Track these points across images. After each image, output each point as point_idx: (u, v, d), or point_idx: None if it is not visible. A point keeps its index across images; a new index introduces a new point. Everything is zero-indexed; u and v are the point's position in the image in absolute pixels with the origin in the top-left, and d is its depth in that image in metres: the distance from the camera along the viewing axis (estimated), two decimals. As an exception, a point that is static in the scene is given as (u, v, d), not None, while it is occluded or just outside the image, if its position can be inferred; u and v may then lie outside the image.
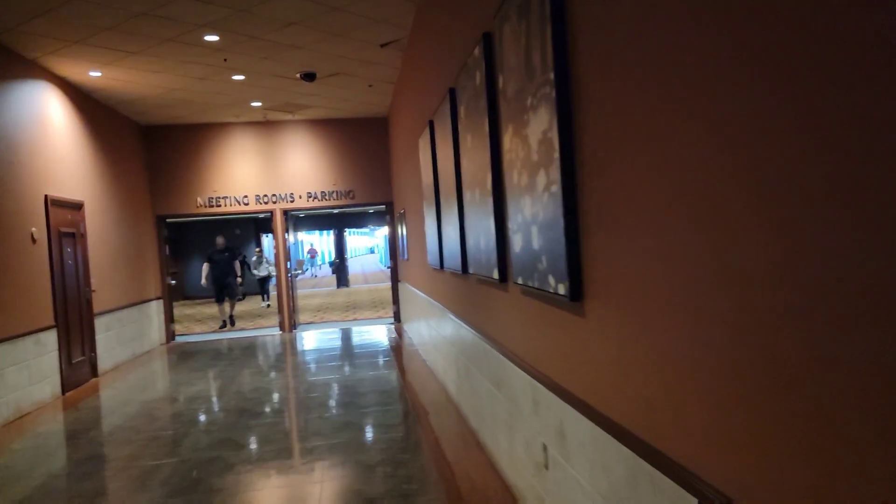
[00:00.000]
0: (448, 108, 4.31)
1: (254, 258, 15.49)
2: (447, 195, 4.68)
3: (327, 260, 31.51)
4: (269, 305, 15.71)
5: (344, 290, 21.40)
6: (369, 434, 4.73)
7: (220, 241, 11.79)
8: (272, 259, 13.51)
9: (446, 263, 4.99)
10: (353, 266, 37.77)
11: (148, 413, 5.76)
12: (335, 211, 21.70)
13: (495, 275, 3.26)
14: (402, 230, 9.58)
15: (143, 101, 8.79)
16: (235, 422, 5.22)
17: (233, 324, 11.78)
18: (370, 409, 5.43)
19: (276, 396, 6.22)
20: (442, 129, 4.68)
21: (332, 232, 23.70)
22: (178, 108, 9.41)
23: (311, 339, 9.99)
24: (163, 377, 7.65)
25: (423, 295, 7.13)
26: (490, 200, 3.26)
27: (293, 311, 10.95)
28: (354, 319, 12.17)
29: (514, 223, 2.85)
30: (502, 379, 3.34)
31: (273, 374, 7.27)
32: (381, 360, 7.68)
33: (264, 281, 15.65)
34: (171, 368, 8.34)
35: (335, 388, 6.34)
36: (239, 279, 11.80)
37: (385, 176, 10.97)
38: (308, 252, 33.47)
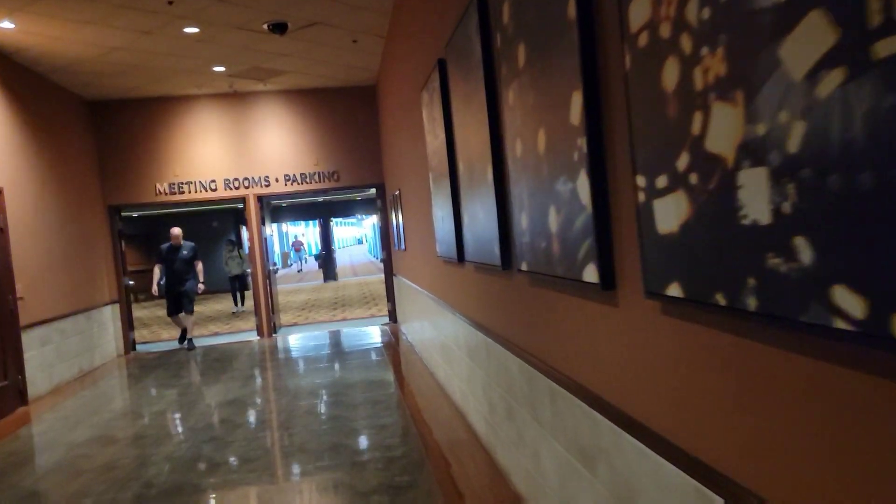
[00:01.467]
0: (474, 29, 2.90)
1: (224, 252, 13.70)
2: (473, 161, 3.27)
3: (313, 252, 29.51)
4: (236, 312, 13.21)
5: (332, 283, 19.95)
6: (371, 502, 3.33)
7: (175, 233, 8.76)
8: (246, 253, 12.04)
9: (470, 254, 3.59)
10: (342, 257, 36.22)
11: (72, 464, 4.32)
12: (320, 199, 20.21)
13: (587, 275, 1.86)
14: (396, 216, 8.16)
15: (82, 67, 7.26)
16: (184, 480, 3.80)
17: (191, 346, 8.85)
18: (369, 456, 4.03)
19: (241, 438, 4.79)
20: (462, 64, 3.26)
21: (317, 222, 22.16)
22: (128, 77, 7.89)
23: (294, 348, 8.56)
24: (106, 405, 6.20)
25: (429, 295, 5.72)
26: (573, 154, 1.86)
27: (273, 312, 9.49)
28: (344, 319, 10.73)
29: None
30: (598, 453, 1.95)
31: (244, 401, 5.85)
32: (377, 375, 6.27)
33: (236, 280, 13.61)
34: (119, 390, 6.88)
35: (322, 420, 4.94)
36: (201, 285, 8.79)
37: (375, 154, 9.51)
38: (293, 244, 31.73)
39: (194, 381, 6.71)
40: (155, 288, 8.91)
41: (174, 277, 8.65)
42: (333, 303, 13.81)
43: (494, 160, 2.85)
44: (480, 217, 3.21)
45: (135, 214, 18.63)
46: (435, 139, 4.33)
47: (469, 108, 3.24)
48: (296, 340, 8.96)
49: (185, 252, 8.71)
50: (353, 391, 5.60)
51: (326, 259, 21.31)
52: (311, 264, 29.91)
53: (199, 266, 8.84)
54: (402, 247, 7.78)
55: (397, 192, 7.76)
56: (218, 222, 19.74)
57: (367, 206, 21.93)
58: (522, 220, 2.52)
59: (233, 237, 13.81)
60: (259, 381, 6.54)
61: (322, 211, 21.49)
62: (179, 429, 5.03)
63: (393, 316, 9.69)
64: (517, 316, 2.85)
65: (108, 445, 4.68)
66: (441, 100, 3.93)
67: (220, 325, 11.31)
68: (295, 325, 10.58)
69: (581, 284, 1.95)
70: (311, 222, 36.38)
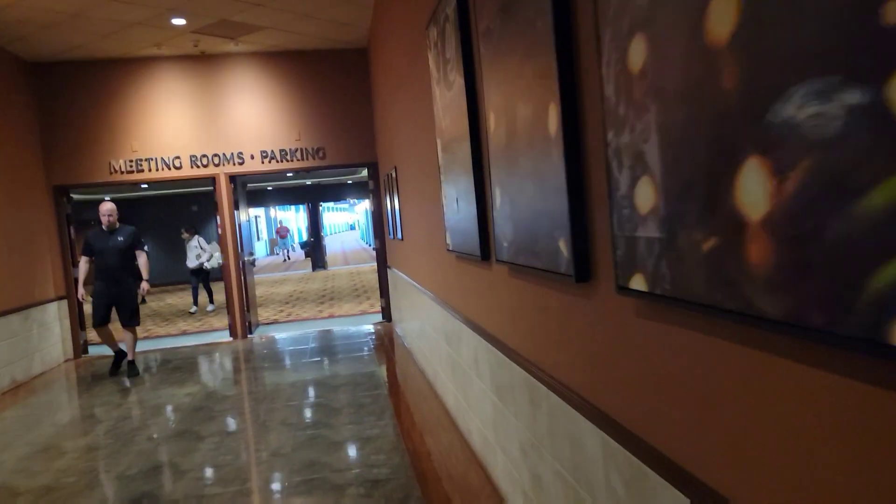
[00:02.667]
0: None
1: (185, 241, 11.59)
2: (514, 111, 2.06)
3: (301, 239, 27.25)
4: (194, 313, 11.20)
5: (321, 273, 18.71)
6: None
7: (105, 210, 6.34)
8: (207, 242, 10.71)
9: (505, 250, 2.38)
10: (332, 244, 34.89)
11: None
12: (308, 182, 18.89)
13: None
14: (391, 200, 6.93)
15: (10, 16, 5.95)
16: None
17: (133, 372, 6.36)
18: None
19: (184, 496, 3.59)
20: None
21: (305, 207, 20.84)
22: (70, 31, 6.58)
23: (269, 354, 7.34)
24: (26, 433, 4.97)
25: (435, 298, 4.51)
26: None
27: (247, 310, 8.26)
28: (331, 317, 9.51)
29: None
30: None
31: (197, 432, 4.64)
32: (368, 397, 5.06)
33: (197, 275, 11.41)
34: (49, 411, 5.65)
35: (300, 463, 3.73)
36: (145, 285, 6.46)
37: (366, 128, 8.25)
38: (277, 230, 29.56)
39: (144, 400, 5.49)
40: (81, 292, 6.83)
41: (106, 275, 6.19)
42: (321, 296, 12.59)
43: (565, 104, 1.64)
44: (528, 196, 2.00)
45: (107, 197, 17.29)
46: (448, 89, 3.10)
47: (510, 25, 2.02)
48: (273, 344, 7.74)
49: (120, 239, 6.25)
50: (336, 420, 4.40)
51: (315, 246, 20.03)
52: (299, 252, 27.79)
53: (144, 259, 6.50)
54: (399, 236, 6.56)
55: (392, 172, 6.53)
56: (198, 206, 18.42)
57: (359, 190, 20.64)
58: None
59: (186, 225, 11.85)
60: (220, 400, 5.32)
61: (311, 195, 20.18)
62: (110, 472, 3.82)
63: (386, 314, 8.48)
64: (603, 364, 1.65)
65: (10, 500, 3.46)
66: (458, 27, 2.70)
67: (192, 323, 10.07)
68: (275, 322, 9.35)
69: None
70: (298, 207, 34.93)
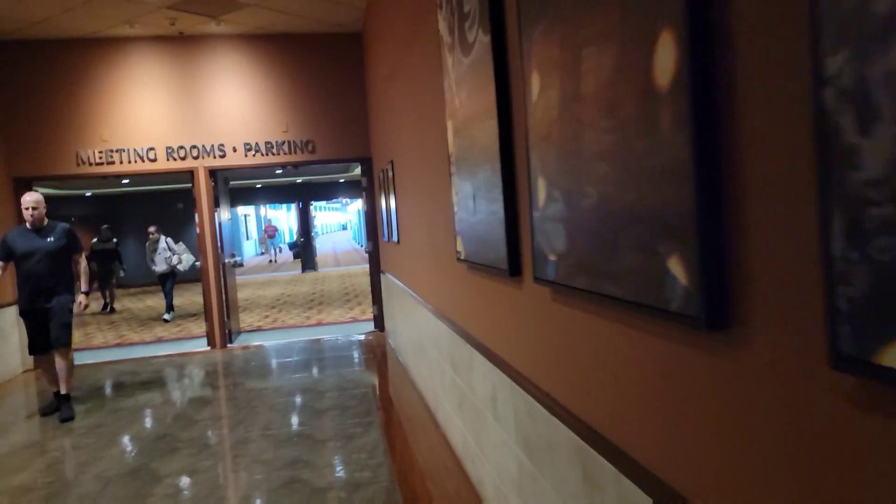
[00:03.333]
0: None
1: (149, 242, 10.17)
2: (585, 94, 1.39)
3: (290, 238, 25.67)
4: (169, 319, 10.04)
5: (310, 274, 18.00)
6: None
7: (29, 201, 4.93)
8: (176, 244, 9.95)
9: (547, 266, 1.70)
10: (324, 244, 34.14)
11: None
12: (299, 180, 18.16)
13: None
14: (386, 199, 6.25)
15: (-48, -18, 5.24)
16: None
17: (66, 416, 4.83)
18: None
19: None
20: None
21: (295, 206, 20.08)
22: (31, 3, 5.87)
23: (249, 367, 6.63)
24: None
25: (439, 316, 3.83)
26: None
27: (227, 317, 7.55)
28: (319, 324, 8.81)
29: None
30: None
31: (161, 470, 3.94)
32: (359, 425, 4.38)
33: (166, 280, 10.09)
34: None
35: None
36: (82, 298, 5.09)
37: (360, 120, 7.57)
38: (264, 229, 27.67)
39: (102, 425, 4.77)
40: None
41: (32, 286, 4.82)
42: (310, 300, 11.88)
43: (695, 25, 0.97)
44: (609, 188, 1.33)
45: (88, 193, 16.52)
46: (465, 54, 2.42)
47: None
48: (254, 355, 7.04)
49: (50, 240, 4.89)
50: (320, 456, 3.71)
51: (305, 247, 19.30)
52: (288, 253, 26.56)
53: (83, 265, 5.13)
54: (394, 238, 5.88)
55: (388, 168, 5.85)
56: (184, 204, 17.66)
57: (351, 189, 19.93)
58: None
59: (154, 225, 10.44)
60: (185, 426, 4.62)
61: (301, 193, 19.44)
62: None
63: (379, 322, 7.79)
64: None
65: None
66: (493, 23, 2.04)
67: (170, 328, 9.34)
68: (259, 329, 8.64)
69: None
70: (287, 206, 34.10)
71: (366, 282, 14.35)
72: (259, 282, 16.81)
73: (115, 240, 11.70)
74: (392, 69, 5.07)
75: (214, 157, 7.30)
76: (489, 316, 2.58)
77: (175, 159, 7.22)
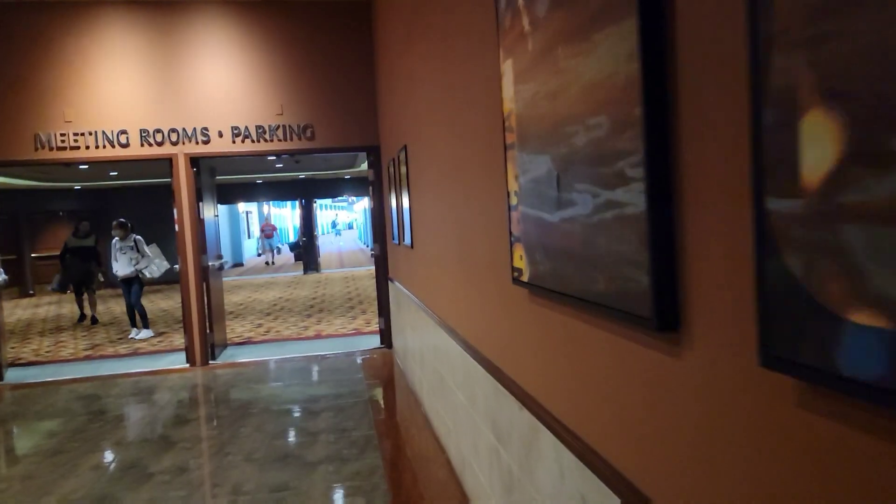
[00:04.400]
0: None
1: (115, 241, 8.25)
2: None
3: (292, 238, 23.05)
4: (137, 338, 8.17)
5: (312, 276, 16.96)
6: None
7: None
8: (148, 246, 8.34)
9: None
10: (327, 244, 33.08)
11: None
12: (301, 176, 17.13)
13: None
14: (397, 194, 5.21)
15: None
16: None
17: None
18: None
19: None
20: None
21: (298, 203, 19.03)
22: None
23: (229, 395, 5.59)
24: None
25: (474, 355, 2.76)
26: None
27: (209, 329, 6.50)
28: (317, 337, 7.76)
29: None
30: None
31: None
32: (359, 492, 3.32)
33: (130, 285, 8.18)
34: None
35: None
36: None
37: (366, 104, 6.52)
38: (262, 228, 24.74)
39: (32, 476, 3.74)
40: None
41: None
42: (309, 305, 10.83)
43: None
44: None
45: (77, 186, 15.53)
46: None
47: None
48: (237, 378, 5.99)
49: None
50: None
51: (307, 248, 18.25)
52: (288, 254, 24.47)
53: None
54: (407, 241, 4.83)
55: (399, 155, 4.81)
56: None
57: (358, 187, 18.89)
58: None
59: (123, 218, 8.51)
60: (133, 481, 3.58)
61: (304, 190, 18.41)
62: None
63: (386, 338, 6.74)
64: None
65: None
66: None
67: (152, 340, 8.29)
68: (248, 342, 7.59)
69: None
70: (287, 204, 33.01)
71: (370, 286, 13.31)
72: (257, 283, 15.79)
73: (94, 236, 9.72)
74: (409, 26, 4.02)
75: (197, 143, 6.26)
76: (590, 387, 1.50)
77: (151, 144, 6.19)
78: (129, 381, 5.94)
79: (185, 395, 5.38)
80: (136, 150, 6.17)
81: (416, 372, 4.74)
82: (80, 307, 9.99)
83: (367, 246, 31.60)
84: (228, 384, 5.64)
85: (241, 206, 23.88)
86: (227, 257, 20.83)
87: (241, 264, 22.06)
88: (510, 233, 1.87)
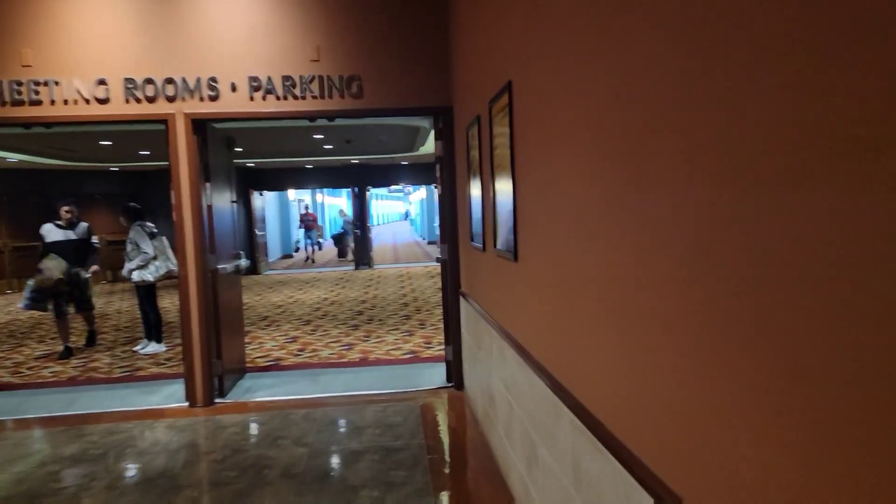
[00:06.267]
0: None
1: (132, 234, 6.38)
2: None
3: (341, 228, 20.54)
4: (138, 351, 6.61)
5: (363, 273, 15.29)
6: None
7: None
8: (142, 235, 6.26)
9: None
10: (381, 234, 31.50)
11: None
12: (354, 160, 15.42)
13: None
14: (483, 175, 3.32)
15: None
16: None
17: None
18: None
19: None
20: None
21: (350, 192, 17.28)
22: None
23: (227, 467, 3.83)
24: None
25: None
26: None
27: (216, 355, 4.77)
28: (363, 363, 5.95)
29: None
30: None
31: None
32: None
33: (147, 292, 6.55)
34: None
35: None
36: None
37: (434, 48, 4.65)
38: (301, 218, 20.71)
39: None
40: None
41: None
42: (357, 312, 9.08)
43: None
44: None
45: (113, 167, 14.28)
46: None
47: None
48: (245, 434, 4.22)
49: None
50: None
51: (360, 239, 16.58)
52: (331, 247, 21.64)
53: None
54: (501, 248, 2.92)
55: (494, 107, 2.92)
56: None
57: (416, 174, 17.09)
58: None
59: (133, 202, 6.66)
60: None
61: (357, 177, 16.72)
62: None
63: (455, 373, 4.87)
64: None
65: None
66: None
67: (160, 356, 6.66)
68: (274, 368, 5.84)
69: None
70: (339, 192, 31.54)
71: (429, 287, 11.49)
72: (303, 279, 14.22)
73: (86, 225, 6.68)
74: None
75: (202, 99, 4.53)
76: None
77: (139, 100, 4.48)
78: (99, 430, 4.26)
79: (161, 464, 3.64)
80: (118, 108, 4.47)
81: (504, 447, 2.85)
82: (64, 336, 6.54)
83: (424, 239, 29.76)
84: (231, 446, 3.88)
85: (292, 194, 22.49)
86: (276, 248, 19.39)
87: (290, 255, 20.63)
88: None
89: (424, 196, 28.27)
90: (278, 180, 16.63)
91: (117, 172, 14.79)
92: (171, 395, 4.92)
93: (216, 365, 4.75)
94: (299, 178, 17.02)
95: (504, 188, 2.81)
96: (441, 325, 7.40)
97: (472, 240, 3.92)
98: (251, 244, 15.70)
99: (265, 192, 16.82)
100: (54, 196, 13.93)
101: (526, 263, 2.52)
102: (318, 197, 31.11)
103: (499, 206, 2.96)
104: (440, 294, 10.06)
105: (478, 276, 3.88)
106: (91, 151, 11.18)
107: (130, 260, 6.39)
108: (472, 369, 4.26)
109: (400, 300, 9.97)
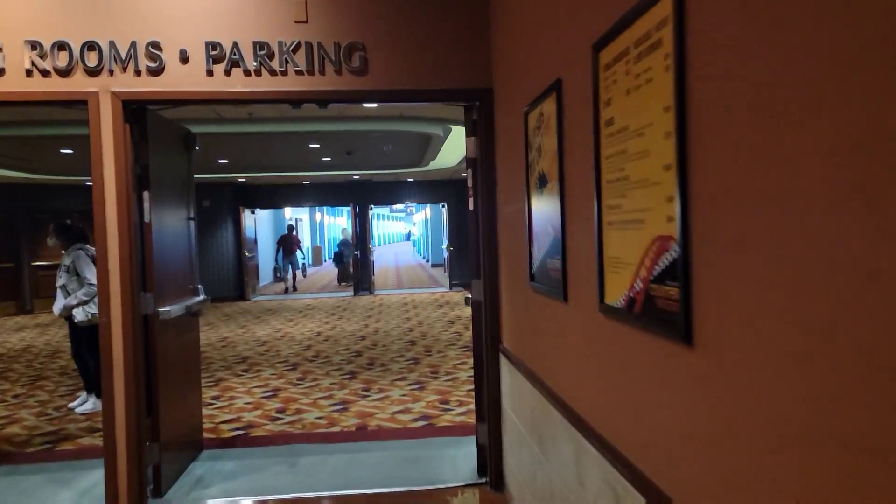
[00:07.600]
0: None
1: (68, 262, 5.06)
2: None
3: (335, 249, 18.24)
4: (73, 407, 5.33)
5: (364, 299, 13.87)
6: None
7: None
8: (85, 261, 4.93)
9: None
10: (382, 256, 30.08)
11: None
12: (356, 176, 14.07)
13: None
14: (560, 193, 1.94)
15: None
16: None
17: None
18: None
19: None
20: None
21: (350, 210, 15.82)
22: None
23: None
24: None
25: None
26: None
27: (151, 439, 3.34)
28: (360, 437, 4.51)
29: None
30: None
31: None
32: None
33: (72, 327, 5.15)
34: None
35: None
36: None
37: (470, 6, 3.30)
38: (279, 242, 17.00)
39: None
40: None
41: None
42: (355, 350, 7.64)
43: None
44: None
45: (88, 181, 12.92)
46: None
47: None
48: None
49: None
50: None
51: (360, 263, 15.16)
52: (322, 268, 19.08)
53: None
54: (605, 301, 1.51)
55: (592, 66, 1.53)
56: (211, 201, 13.91)
57: (421, 192, 15.73)
58: None
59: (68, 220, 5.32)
60: None
61: (358, 195, 15.35)
62: None
63: (492, 465, 3.43)
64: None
65: None
66: None
67: (96, 417, 5.24)
68: (239, 442, 4.41)
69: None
70: (345, 210, 30.19)
71: (438, 317, 10.07)
72: (294, 307, 12.80)
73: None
74: None
75: (138, 73, 3.16)
76: None
77: (48, 73, 3.12)
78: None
79: None
80: (17, 83, 3.11)
81: None
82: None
83: (427, 261, 28.17)
84: None
85: (288, 212, 21.12)
86: (268, 272, 17.93)
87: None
88: None
89: (429, 215, 26.80)
90: (272, 197, 15.28)
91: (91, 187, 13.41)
92: (88, 492, 3.48)
93: (150, 451, 3.32)
94: (295, 194, 15.67)
95: (639, 203, 1.43)
96: (458, 375, 5.99)
97: (534, 280, 2.53)
98: (240, 268, 14.31)
99: (257, 211, 15.44)
100: (19, 212, 12.64)
101: (713, 351, 1.14)
102: (318, 216, 29.76)
103: (559, 208, 1.58)
104: (451, 329, 8.59)
105: (544, 338, 2.48)
106: (53, 163, 9.82)
107: (69, 294, 5.02)
108: (519, 463, 2.85)
109: (405, 336, 8.54)
